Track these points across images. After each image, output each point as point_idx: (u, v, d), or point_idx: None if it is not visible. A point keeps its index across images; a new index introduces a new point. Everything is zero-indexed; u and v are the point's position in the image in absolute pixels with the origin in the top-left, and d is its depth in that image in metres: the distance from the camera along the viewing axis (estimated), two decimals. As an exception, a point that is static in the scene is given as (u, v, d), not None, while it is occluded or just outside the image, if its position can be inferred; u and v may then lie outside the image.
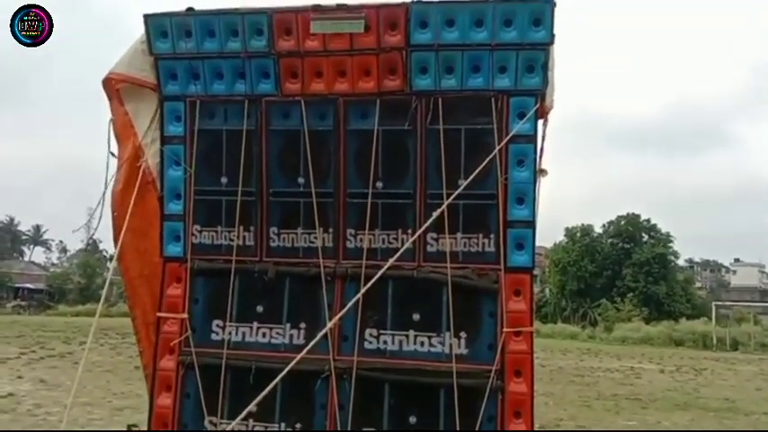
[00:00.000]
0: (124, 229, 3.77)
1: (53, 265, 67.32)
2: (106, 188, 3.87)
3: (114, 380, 11.04)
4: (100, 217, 3.87)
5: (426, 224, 3.52)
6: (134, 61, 3.87)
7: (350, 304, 3.50)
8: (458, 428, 3.46)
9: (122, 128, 3.96)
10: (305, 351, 3.40)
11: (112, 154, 3.88)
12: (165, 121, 3.92)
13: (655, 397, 12.27)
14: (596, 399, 11.73)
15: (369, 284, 3.44)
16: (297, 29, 3.65)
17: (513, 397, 3.49)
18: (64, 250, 71.25)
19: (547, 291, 43.61)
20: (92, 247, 54.40)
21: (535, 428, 3.53)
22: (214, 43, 3.75)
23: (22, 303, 43.00)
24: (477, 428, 3.45)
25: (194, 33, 3.75)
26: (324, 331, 3.50)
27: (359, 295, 3.46)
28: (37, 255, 73.90)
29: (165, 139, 3.93)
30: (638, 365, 18.80)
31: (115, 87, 3.88)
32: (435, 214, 3.50)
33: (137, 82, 3.89)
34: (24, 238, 75.08)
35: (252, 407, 3.43)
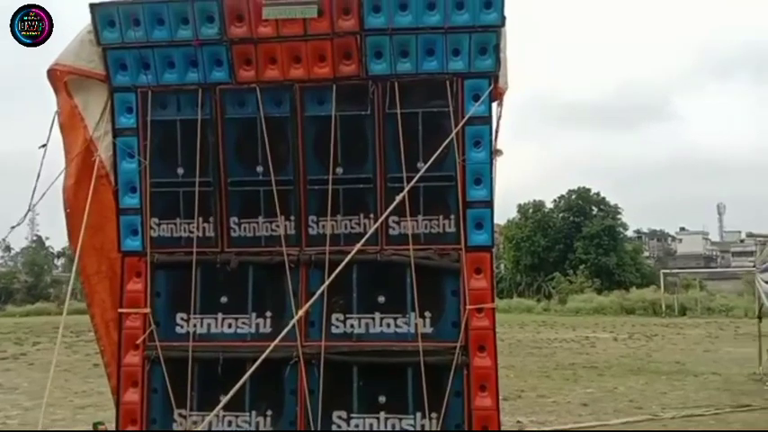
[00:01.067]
0: (83, 226, 3.68)
1: (-3, 264, 64.64)
2: (38, 180, 3.77)
3: (73, 379, 10.75)
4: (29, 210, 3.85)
5: (390, 209, 3.56)
6: (81, 52, 3.76)
7: (318, 293, 3.50)
8: (426, 405, 3.54)
9: (70, 120, 3.85)
10: (278, 340, 3.40)
11: (44, 146, 3.76)
12: (116, 113, 3.83)
13: (610, 364, 12.70)
14: (555, 368, 12.08)
15: (336, 272, 3.45)
16: (249, 15, 3.61)
17: (478, 371, 3.60)
18: (8, 249, 68.32)
19: (502, 266, 44.27)
20: (37, 244, 52.41)
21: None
22: (164, 32, 3.68)
23: (-33, 306, 41.24)
24: (444, 404, 3.54)
25: (143, 22, 3.67)
26: (294, 321, 3.50)
27: (326, 284, 3.47)
28: (-22, 255, 70.88)
29: (116, 132, 3.85)
30: (593, 335, 19.34)
31: (62, 79, 3.77)
32: (398, 199, 3.53)
33: (85, 73, 3.79)
34: (-36, 238, 71.82)
35: (225, 401, 3.42)
